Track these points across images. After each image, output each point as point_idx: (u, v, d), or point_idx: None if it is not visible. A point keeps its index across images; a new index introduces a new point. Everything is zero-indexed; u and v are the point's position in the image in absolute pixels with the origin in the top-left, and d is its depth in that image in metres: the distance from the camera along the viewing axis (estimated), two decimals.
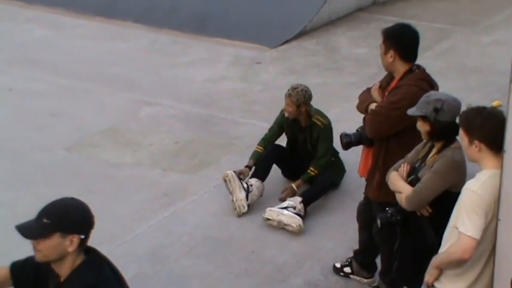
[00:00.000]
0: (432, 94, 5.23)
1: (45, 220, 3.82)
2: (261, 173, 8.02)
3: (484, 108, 4.71)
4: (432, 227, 5.21)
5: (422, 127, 5.22)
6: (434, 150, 5.26)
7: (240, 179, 7.80)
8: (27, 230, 3.83)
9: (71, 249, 3.84)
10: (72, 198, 3.99)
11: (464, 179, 5.15)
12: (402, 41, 5.81)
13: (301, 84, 7.96)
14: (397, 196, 5.30)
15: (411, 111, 5.23)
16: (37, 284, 4.12)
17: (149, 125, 9.92)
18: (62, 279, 3.94)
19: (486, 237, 4.58)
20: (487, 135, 4.56)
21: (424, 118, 5.15)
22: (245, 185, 7.77)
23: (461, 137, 4.69)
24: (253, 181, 7.88)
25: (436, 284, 4.87)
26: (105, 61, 12.27)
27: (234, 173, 7.80)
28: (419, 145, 5.45)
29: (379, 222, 5.49)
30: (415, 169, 5.34)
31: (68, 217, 3.85)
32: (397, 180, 5.33)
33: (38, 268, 4.05)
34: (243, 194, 7.72)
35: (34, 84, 11.23)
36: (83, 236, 3.88)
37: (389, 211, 5.42)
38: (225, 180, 7.80)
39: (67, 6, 14.89)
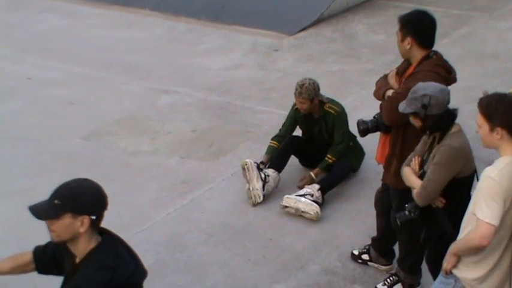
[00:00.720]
0: (418, 89, 5.16)
1: (56, 201, 3.86)
2: (278, 164, 8.01)
3: (504, 94, 4.68)
4: (448, 216, 5.20)
5: (415, 122, 5.22)
6: (436, 140, 5.25)
7: (259, 169, 7.79)
8: (39, 211, 3.89)
9: (82, 229, 3.88)
10: (86, 180, 4.01)
11: (469, 162, 5.16)
12: (419, 28, 5.78)
13: (305, 79, 7.90)
14: (412, 192, 5.28)
15: (402, 108, 5.21)
16: (57, 266, 4.17)
17: (166, 113, 9.93)
18: (77, 260, 3.98)
19: (504, 223, 4.57)
20: (510, 122, 4.52)
21: (415, 114, 5.14)
22: (262, 175, 7.77)
23: (481, 124, 4.64)
24: (270, 172, 7.88)
25: (454, 271, 4.86)
26: (122, 50, 12.30)
27: (253, 162, 7.80)
28: (425, 136, 5.44)
29: (399, 222, 5.46)
30: (423, 161, 5.32)
31: (78, 198, 3.88)
32: (409, 176, 5.32)
33: (56, 249, 4.11)
34: (260, 184, 7.72)
35: (51, 73, 11.27)
36: (94, 217, 3.90)
37: (406, 208, 5.39)
38: (243, 168, 7.80)
39: None
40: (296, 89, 7.82)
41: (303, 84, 7.78)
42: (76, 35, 13.08)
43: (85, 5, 14.61)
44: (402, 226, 5.52)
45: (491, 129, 4.57)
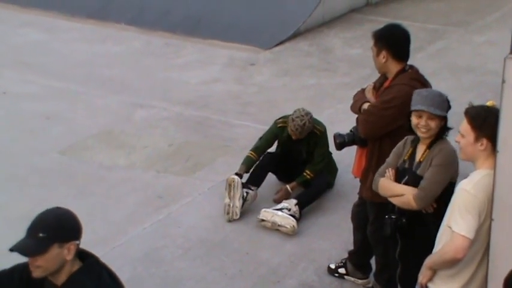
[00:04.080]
0: (441, 93, 5.24)
1: (41, 234, 3.75)
2: (256, 181, 7.99)
3: (491, 107, 4.70)
4: (437, 221, 5.21)
5: (437, 126, 5.17)
6: (423, 147, 5.26)
7: (243, 187, 7.78)
8: (26, 248, 3.75)
9: (69, 257, 3.80)
10: (58, 208, 3.93)
11: (458, 168, 5.19)
12: (393, 41, 5.82)
13: (302, 115, 7.80)
14: (398, 199, 5.25)
15: (438, 112, 5.14)
16: None
17: (143, 128, 9.91)
18: (58, 285, 3.90)
19: (479, 237, 4.59)
20: (495, 135, 4.53)
21: (442, 117, 5.17)
22: (244, 194, 7.75)
23: (465, 133, 4.63)
24: (250, 191, 7.87)
25: (429, 285, 4.87)
26: (99, 64, 12.27)
27: (240, 180, 7.77)
28: (396, 148, 5.43)
29: (388, 229, 5.41)
30: (404, 170, 5.32)
31: (62, 226, 3.80)
32: (391, 184, 5.30)
33: (28, 276, 3.94)
34: (240, 202, 7.70)
35: (28, 88, 11.22)
36: (78, 242, 3.86)
37: (392, 216, 5.38)
38: (229, 184, 7.74)
39: (61, 10, 14.89)
40: (296, 129, 7.75)
41: (303, 124, 7.76)
42: (53, 49, 13.03)
43: (62, 19, 14.57)
44: (392, 234, 5.47)
45: (476, 140, 4.58)
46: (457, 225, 4.52)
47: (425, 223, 5.27)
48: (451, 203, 4.67)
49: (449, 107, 5.20)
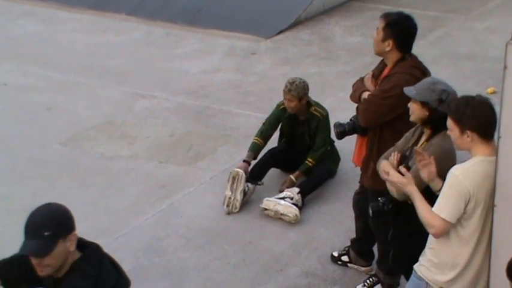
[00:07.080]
0: (437, 82, 5.20)
1: (46, 233, 3.73)
2: (257, 176, 7.98)
3: (472, 97, 4.71)
4: None
5: (418, 111, 5.18)
6: (424, 138, 5.27)
7: (247, 181, 7.78)
8: (39, 249, 3.74)
9: (72, 248, 3.81)
10: (50, 203, 3.91)
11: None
12: (403, 33, 5.79)
13: (296, 78, 7.93)
14: (389, 185, 5.29)
15: (411, 93, 5.18)
16: (28, 281, 4.05)
17: (144, 118, 9.91)
18: (60, 274, 3.91)
19: (472, 221, 4.63)
20: (479, 125, 4.57)
21: (424, 104, 5.14)
22: (246, 188, 7.76)
23: (451, 127, 4.68)
24: (250, 185, 7.87)
25: (425, 273, 4.86)
26: (99, 54, 12.26)
27: (244, 174, 7.76)
28: (408, 133, 5.46)
29: (370, 211, 5.49)
30: (405, 157, 5.33)
31: (62, 221, 3.81)
32: (388, 169, 5.31)
33: (28, 266, 3.92)
34: (241, 196, 7.70)
35: (28, 79, 11.20)
36: (76, 232, 3.87)
37: (381, 200, 5.42)
38: (233, 177, 7.73)
39: (60, 0, 14.84)
40: (286, 86, 7.81)
41: (293, 82, 7.79)
42: (52, 40, 13.01)
43: (61, 10, 14.53)
44: (374, 216, 5.52)
45: (462, 133, 4.62)
46: (439, 206, 4.60)
47: (409, 214, 5.28)
48: (444, 184, 4.70)
49: (441, 100, 5.10)
